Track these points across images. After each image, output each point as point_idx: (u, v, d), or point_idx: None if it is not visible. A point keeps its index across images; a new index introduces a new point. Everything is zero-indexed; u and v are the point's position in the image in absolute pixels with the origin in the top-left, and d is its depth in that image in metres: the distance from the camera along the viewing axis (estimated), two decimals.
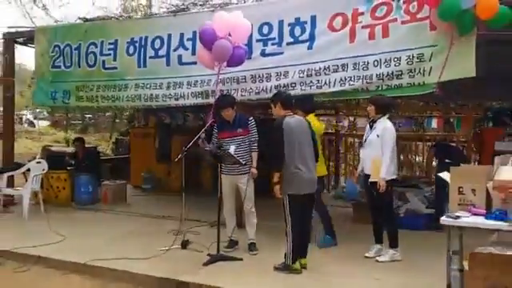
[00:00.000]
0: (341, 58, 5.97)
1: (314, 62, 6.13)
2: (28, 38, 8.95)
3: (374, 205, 5.53)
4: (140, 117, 11.96)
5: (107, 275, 5.19)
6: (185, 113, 10.84)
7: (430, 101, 9.06)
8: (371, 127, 5.53)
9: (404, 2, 5.69)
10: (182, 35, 7.02)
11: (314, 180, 5.17)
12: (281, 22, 6.38)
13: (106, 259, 5.41)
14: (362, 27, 5.88)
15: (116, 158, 12.74)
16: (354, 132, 11.18)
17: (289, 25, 6.34)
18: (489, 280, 4.09)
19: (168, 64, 7.15)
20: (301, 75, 6.19)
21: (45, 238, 6.26)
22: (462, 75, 5.33)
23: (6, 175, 8.37)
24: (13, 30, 9.14)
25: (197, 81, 6.87)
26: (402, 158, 10.71)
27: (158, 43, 7.22)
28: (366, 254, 5.55)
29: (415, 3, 5.59)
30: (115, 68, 7.64)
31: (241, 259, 5.52)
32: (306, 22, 6.24)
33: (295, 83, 6.21)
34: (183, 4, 7.58)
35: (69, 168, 9.28)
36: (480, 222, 3.72)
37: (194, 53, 6.80)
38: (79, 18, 8.57)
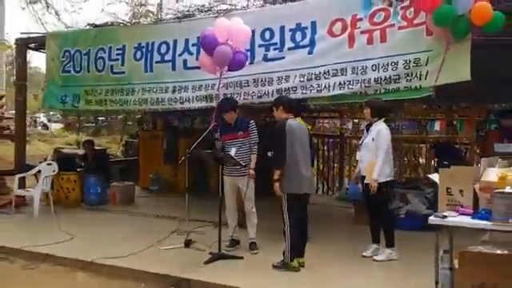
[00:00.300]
0: (340, 63, 6.12)
1: (314, 67, 6.28)
2: (40, 43, 9.22)
3: (370, 205, 5.69)
4: (148, 120, 12.19)
5: (112, 272, 5.40)
6: (192, 116, 11.06)
7: (433, 104, 9.15)
8: (368, 130, 5.69)
9: (401, 8, 5.82)
10: (187, 41, 7.21)
11: (311, 181, 5.36)
12: (282, 28, 6.54)
13: (112, 257, 5.61)
14: (361, 32, 6.02)
15: (125, 160, 12.98)
16: (359, 134, 11.27)
17: (290, 30, 6.50)
18: (478, 278, 4.22)
19: (174, 69, 7.36)
20: (301, 79, 6.34)
21: (54, 237, 6.49)
22: (458, 79, 5.44)
23: (17, 176, 8.64)
24: (25, 35, 9.43)
25: (201, 85, 7.06)
26: (406, 159, 10.80)
27: (164, 48, 7.43)
28: (364, 254, 5.70)
29: (412, 9, 5.72)
30: (123, 72, 7.86)
31: (241, 258, 5.70)
32: (306, 28, 6.39)
33: (296, 87, 6.37)
34: (188, 10, 7.76)
35: (78, 170, 9.53)
36: (466, 221, 3.84)
37: (198, 58, 6.99)
38: (89, 24, 8.80)
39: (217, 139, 6.15)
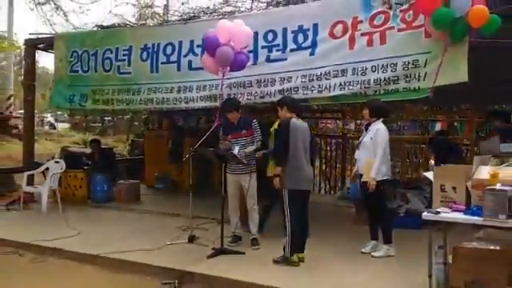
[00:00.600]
0: (341, 64, 6.25)
1: (315, 68, 6.43)
2: (48, 44, 9.42)
3: (368, 203, 5.85)
4: (154, 119, 12.37)
5: (117, 266, 5.59)
6: (197, 116, 11.23)
7: (434, 105, 9.27)
8: (366, 130, 5.85)
9: (401, 11, 5.93)
10: (192, 42, 7.37)
11: (311, 178, 5.55)
12: (285, 30, 6.69)
13: (118, 252, 5.81)
14: (361, 35, 6.15)
15: (131, 159, 13.16)
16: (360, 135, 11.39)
17: (292, 32, 6.64)
18: (471, 273, 4.37)
19: (179, 69, 7.52)
20: (303, 80, 6.49)
21: (61, 233, 6.70)
22: (455, 80, 5.56)
23: (26, 174, 8.85)
24: (34, 36, 9.64)
25: (205, 85, 7.22)
26: (408, 161, 10.92)
27: (169, 49, 7.60)
28: (362, 250, 5.85)
29: (411, 12, 5.84)
30: (129, 73, 8.04)
31: (243, 253, 5.86)
32: (308, 30, 6.53)
33: (298, 87, 6.52)
34: (193, 12, 7.94)
35: (85, 168, 9.74)
36: (458, 217, 4.00)
37: None
38: (96, 26, 9.00)
39: (221, 138, 6.31)
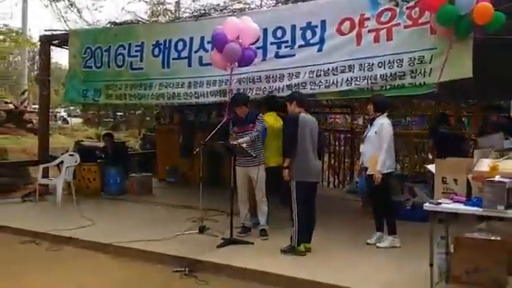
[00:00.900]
0: (348, 60, 6.38)
1: (323, 64, 6.56)
2: (62, 40, 9.62)
3: (373, 195, 6.00)
4: (165, 114, 12.56)
5: (130, 254, 5.80)
6: (208, 111, 11.39)
7: (441, 100, 9.36)
8: (371, 124, 5.99)
9: (407, 8, 6.04)
10: (202, 38, 7.52)
11: (319, 170, 5.72)
12: (293, 27, 6.83)
13: (130, 241, 6.02)
14: (368, 31, 6.27)
15: (143, 153, 13.39)
16: None
17: (301, 29, 6.78)
18: (472, 262, 4.53)
19: (189, 65, 7.68)
20: (311, 75, 6.63)
21: (76, 223, 6.93)
22: (460, 76, 5.67)
23: (41, 167, 9.10)
24: (49, 32, 9.88)
25: (215, 80, 7.38)
26: (416, 156, 11.02)
27: (180, 45, 7.77)
28: (368, 241, 6.00)
29: (417, 9, 5.95)
30: (141, 68, 8.23)
31: (252, 243, 6.04)
32: (316, 26, 6.67)
33: (305, 83, 6.66)
34: (204, 9, 8.10)
35: (99, 161, 9.97)
36: (459, 207, 4.13)
37: None
38: (109, 22, 9.20)
39: (231, 132, 6.47)
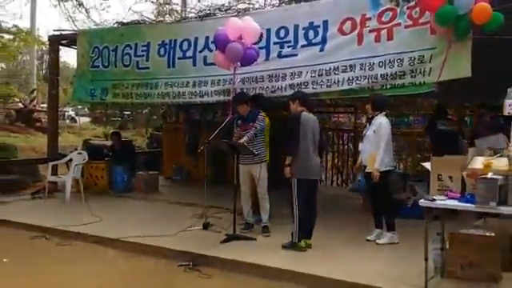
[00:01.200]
0: (349, 59, 6.48)
1: (324, 63, 6.66)
2: (70, 40, 9.81)
3: (372, 193, 6.12)
4: (171, 113, 12.72)
5: (136, 249, 5.98)
6: (214, 110, 11.53)
7: (443, 100, 9.39)
8: (370, 123, 6.11)
9: (407, 8, 6.14)
10: (207, 38, 7.65)
11: (320, 167, 5.85)
12: (296, 27, 6.95)
13: (137, 236, 6.19)
14: (369, 31, 6.37)
15: (150, 152, 13.57)
16: None
17: (303, 29, 6.90)
18: (466, 257, 4.65)
19: (194, 64, 7.83)
20: (313, 75, 6.75)
21: (84, 219, 7.13)
22: (459, 75, 5.76)
23: (50, 164, 9.30)
24: (57, 32, 10.07)
25: (219, 80, 7.52)
26: (419, 155, 11.09)
27: (185, 45, 7.92)
28: (368, 237, 6.13)
29: (417, 9, 6.03)
30: (147, 68, 8.39)
31: (254, 239, 6.19)
32: (318, 26, 6.78)
33: (307, 82, 6.78)
34: (209, 10, 8.23)
35: (106, 159, 10.16)
36: (453, 203, 4.25)
37: None
38: (117, 23, 9.36)
39: (235, 131, 6.61)
